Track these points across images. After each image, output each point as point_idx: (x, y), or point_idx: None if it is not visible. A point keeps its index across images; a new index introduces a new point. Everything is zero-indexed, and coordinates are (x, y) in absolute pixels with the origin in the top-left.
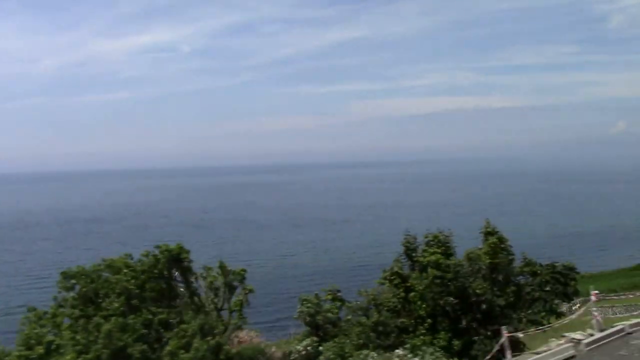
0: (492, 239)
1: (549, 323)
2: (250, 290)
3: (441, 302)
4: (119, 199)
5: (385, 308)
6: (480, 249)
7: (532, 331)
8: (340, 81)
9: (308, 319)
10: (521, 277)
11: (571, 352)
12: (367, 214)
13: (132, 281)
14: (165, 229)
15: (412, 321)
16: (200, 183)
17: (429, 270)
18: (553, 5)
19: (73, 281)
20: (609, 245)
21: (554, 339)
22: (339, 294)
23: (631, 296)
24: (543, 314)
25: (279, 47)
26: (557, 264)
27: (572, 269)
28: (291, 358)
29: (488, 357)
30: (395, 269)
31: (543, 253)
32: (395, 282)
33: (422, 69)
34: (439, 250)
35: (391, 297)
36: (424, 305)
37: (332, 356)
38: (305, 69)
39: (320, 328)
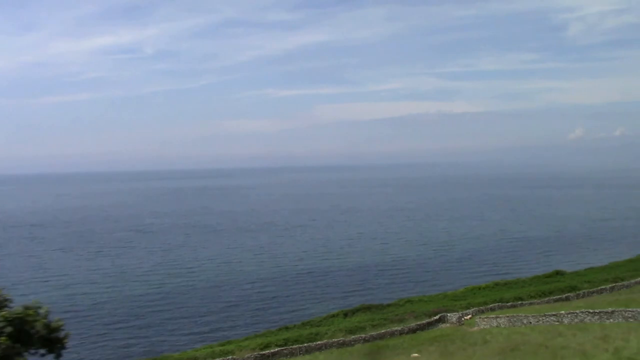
0: None
1: None
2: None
3: None
4: (69, 203)
5: None
6: None
7: None
8: (305, 85)
9: None
10: None
11: None
12: (321, 219)
13: None
14: (112, 234)
15: None
16: (158, 187)
17: None
18: (515, 14)
19: None
20: (550, 251)
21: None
22: None
23: (536, 304)
24: None
25: (243, 50)
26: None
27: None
28: None
29: None
30: None
31: (488, 258)
32: None
33: (387, 73)
34: None
35: None
36: None
37: None
38: (269, 72)
39: None
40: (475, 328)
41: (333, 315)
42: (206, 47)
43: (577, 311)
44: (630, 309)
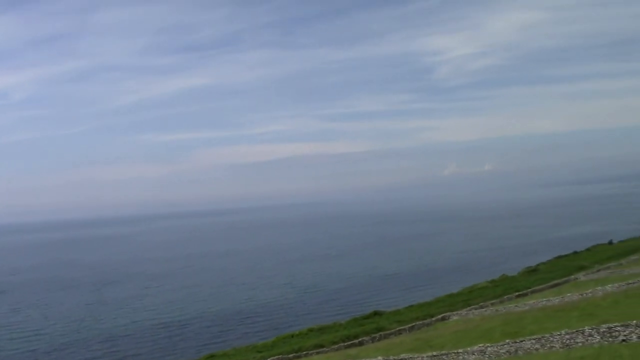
0: None
1: None
2: None
3: None
4: None
5: None
6: None
7: None
8: (186, 129)
9: None
10: None
11: None
12: (192, 266)
13: None
14: None
15: None
16: (25, 240)
17: None
18: (387, 57)
19: None
20: (416, 286)
21: None
22: None
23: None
24: None
25: (120, 95)
26: None
27: None
28: None
29: None
30: None
31: (353, 296)
32: None
33: (268, 116)
34: None
35: None
36: None
37: None
38: (148, 117)
39: None
40: None
41: None
42: (81, 93)
43: None
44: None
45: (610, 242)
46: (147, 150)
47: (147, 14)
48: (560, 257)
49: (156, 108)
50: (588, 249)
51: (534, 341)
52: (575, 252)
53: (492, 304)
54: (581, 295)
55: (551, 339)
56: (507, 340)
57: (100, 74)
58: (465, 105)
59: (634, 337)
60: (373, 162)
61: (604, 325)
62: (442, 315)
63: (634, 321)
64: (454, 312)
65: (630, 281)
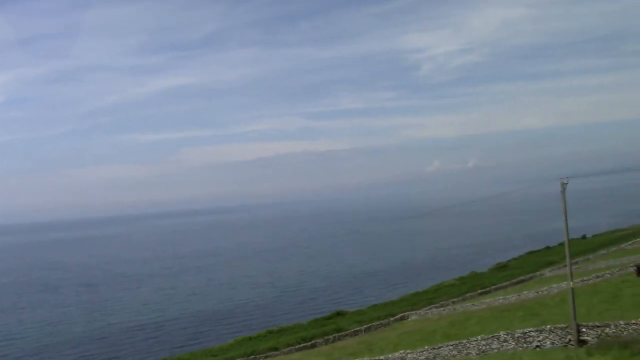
0: None
1: None
2: None
3: None
4: None
5: None
6: None
7: None
8: (172, 129)
9: None
10: None
11: None
12: (173, 267)
13: None
14: None
15: None
16: (6, 242)
17: None
18: (370, 55)
19: None
20: (397, 283)
21: None
22: None
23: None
24: None
25: (104, 95)
26: None
27: None
28: None
29: None
30: None
31: (330, 295)
32: None
33: (253, 115)
34: None
35: None
36: None
37: None
38: (133, 117)
39: None
40: None
41: None
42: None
43: None
44: None
45: (584, 237)
46: (133, 150)
47: (131, 14)
48: (531, 252)
49: (141, 108)
50: (561, 244)
51: (451, 347)
52: (548, 247)
53: (454, 302)
54: (537, 293)
55: (468, 345)
56: (426, 347)
57: (84, 74)
58: (447, 102)
59: (548, 343)
60: (356, 159)
61: (518, 331)
62: (402, 314)
63: (548, 326)
64: (414, 312)
65: (585, 278)
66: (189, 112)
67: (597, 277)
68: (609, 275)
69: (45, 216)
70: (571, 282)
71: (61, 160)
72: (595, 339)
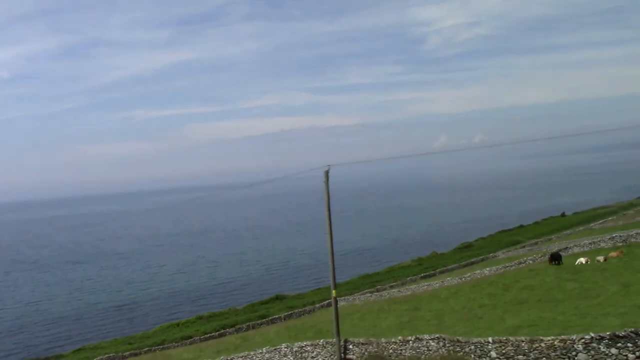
0: None
1: None
2: None
3: None
4: None
5: None
6: None
7: None
8: (176, 105)
9: None
10: None
11: None
12: (165, 244)
13: None
14: None
15: None
16: (8, 219)
17: None
18: (376, 28)
19: None
20: (374, 262)
21: None
22: None
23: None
24: None
25: (108, 70)
26: None
27: None
28: None
29: None
30: None
31: (315, 274)
32: None
33: (258, 90)
34: None
35: None
36: None
37: None
38: (137, 93)
39: None
40: None
41: None
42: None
43: None
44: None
45: (563, 215)
46: (138, 126)
47: None
48: (503, 231)
49: (145, 84)
50: (536, 222)
51: (241, 359)
52: (521, 226)
53: (391, 287)
54: (460, 279)
55: (255, 357)
56: (222, 357)
57: (86, 50)
58: (455, 76)
59: (320, 359)
60: (363, 134)
61: (296, 344)
62: (329, 301)
63: (322, 340)
64: (342, 297)
65: (508, 264)
66: (194, 88)
67: (506, 267)
68: (523, 264)
69: (48, 193)
70: (334, 291)
71: (67, 137)
72: (359, 358)
